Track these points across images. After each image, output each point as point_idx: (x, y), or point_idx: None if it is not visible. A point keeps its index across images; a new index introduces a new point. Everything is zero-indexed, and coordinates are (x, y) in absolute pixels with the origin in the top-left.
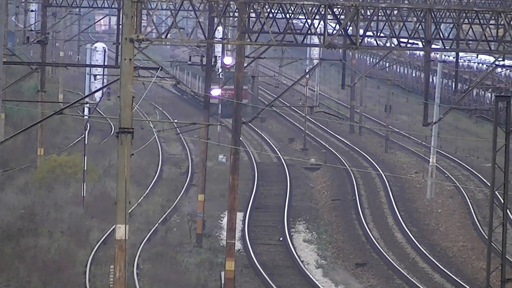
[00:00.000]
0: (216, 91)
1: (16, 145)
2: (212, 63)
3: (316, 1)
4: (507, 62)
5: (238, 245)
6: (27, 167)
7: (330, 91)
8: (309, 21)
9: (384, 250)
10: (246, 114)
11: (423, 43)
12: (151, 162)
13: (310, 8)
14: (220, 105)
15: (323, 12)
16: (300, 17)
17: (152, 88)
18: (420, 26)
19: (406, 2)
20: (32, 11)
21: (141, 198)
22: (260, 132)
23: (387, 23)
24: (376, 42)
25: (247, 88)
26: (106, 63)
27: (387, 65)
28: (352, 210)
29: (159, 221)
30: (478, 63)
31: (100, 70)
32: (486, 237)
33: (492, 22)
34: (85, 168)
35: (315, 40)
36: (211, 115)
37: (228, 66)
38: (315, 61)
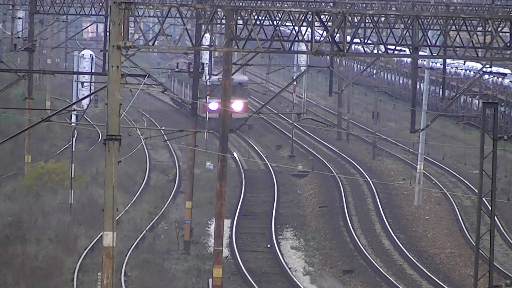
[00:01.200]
0: (214, 105)
1: (3, 153)
2: (200, 70)
3: (304, 8)
4: (494, 69)
5: (225, 252)
6: (14, 174)
7: (317, 98)
8: (296, 28)
9: (372, 257)
10: (245, 129)
11: (411, 50)
12: (139, 169)
13: (297, 15)
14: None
15: (310, 19)
16: (287, 24)
17: (139, 96)
18: (407, 33)
19: (393, 9)
20: (19, 18)
21: (129, 205)
22: (247, 139)
23: (374, 30)
24: (364, 49)
25: (246, 102)
26: (93, 70)
27: (374, 72)
28: (339, 217)
29: (147, 228)
30: (466, 70)
31: (87, 77)
32: (474, 244)
33: (479, 29)
34: (72, 176)
35: (303, 47)
36: (209, 130)
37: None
38: (303, 68)
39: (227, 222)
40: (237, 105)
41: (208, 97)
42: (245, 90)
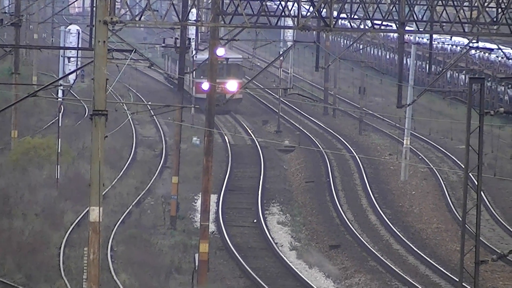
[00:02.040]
0: (206, 85)
1: None
2: (186, 45)
3: None
4: (480, 44)
5: (212, 227)
6: (1, 149)
7: (304, 73)
8: (283, 3)
9: (358, 232)
10: (241, 110)
11: (397, 25)
12: (125, 144)
13: None
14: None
15: None
16: None
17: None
18: (394, 8)
19: None
20: None
21: (115, 180)
22: (234, 114)
23: (361, 5)
24: (350, 24)
25: (241, 82)
26: (80, 46)
27: (361, 47)
28: (326, 192)
29: (133, 203)
30: (452, 45)
31: (74, 52)
32: (460, 219)
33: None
34: (59, 151)
35: (289, 22)
36: (201, 112)
37: (221, 58)
38: (289, 43)
39: (213, 197)
40: (232, 85)
41: (200, 76)
42: (241, 69)
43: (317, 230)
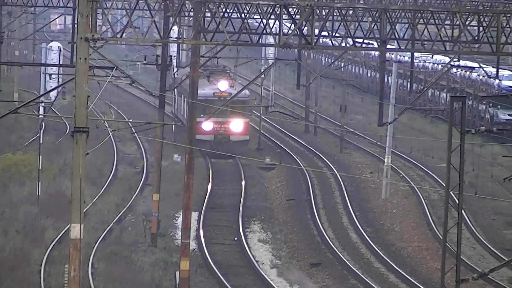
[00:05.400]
0: (208, 125)
1: None
2: (168, 63)
3: (271, 1)
4: (462, 63)
5: (193, 245)
6: None
7: (285, 90)
8: (264, 21)
9: (339, 250)
10: (247, 151)
11: (378, 43)
12: (106, 161)
13: (265, 8)
14: (213, 142)
15: (278, 12)
16: (255, 17)
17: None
18: (375, 26)
19: (361, 2)
20: None
21: (96, 197)
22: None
23: (342, 23)
24: (332, 42)
25: (248, 122)
26: (61, 62)
27: (342, 65)
28: (307, 210)
29: (114, 221)
30: (433, 63)
31: (55, 69)
32: (441, 238)
33: (447, 22)
34: (40, 167)
35: (270, 40)
36: (203, 155)
37: (224, 93)
38: (270, 61)
39: (194, 215)
40: (236, 125)
41: (200, 114)
42: (247, 107)
43: (298, 248)
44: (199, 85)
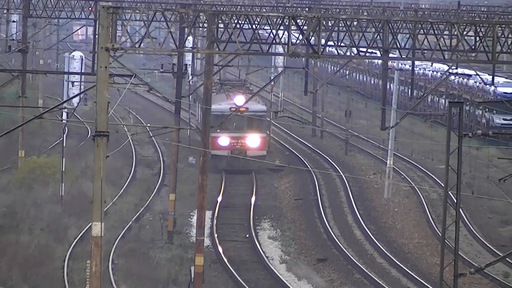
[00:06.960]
0: (224, 140)
1: None
2: (183, 71)
3: (281, 13)
4: (460, 70)
5: (206, 242)
6: (8, 168)
7: (293, 97)
8: (274, 31)
9: (344, 246)
10: (263, 169)
11: (381, 52)
12: (125, 164)
13: (275, 19)
14: (228, 158)
15: (287, 23)
16: (265, 27)
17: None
18: (378, 36)
19: (365, 14)
20: (13, 21)
21: (116, 197)
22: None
23: (347, 34)
24: (337, 51)
25: (266, 136)
26: (83, 71)
27: (347, 72)
28: (314, 209)
29: (133, 219)
30: (433, 71)
31: (77, 77)
32: (440, 235)
33: (446, 32)
34: (63, 169)
35: (280, 49)
36: (219, 171)
37: (242, 108)
38: (280, 69)
39: (208, 214)
40: (253, 140)
41: (216, 130)
42: (263, 122)
43: (306, 244)
44: (216, 100)
